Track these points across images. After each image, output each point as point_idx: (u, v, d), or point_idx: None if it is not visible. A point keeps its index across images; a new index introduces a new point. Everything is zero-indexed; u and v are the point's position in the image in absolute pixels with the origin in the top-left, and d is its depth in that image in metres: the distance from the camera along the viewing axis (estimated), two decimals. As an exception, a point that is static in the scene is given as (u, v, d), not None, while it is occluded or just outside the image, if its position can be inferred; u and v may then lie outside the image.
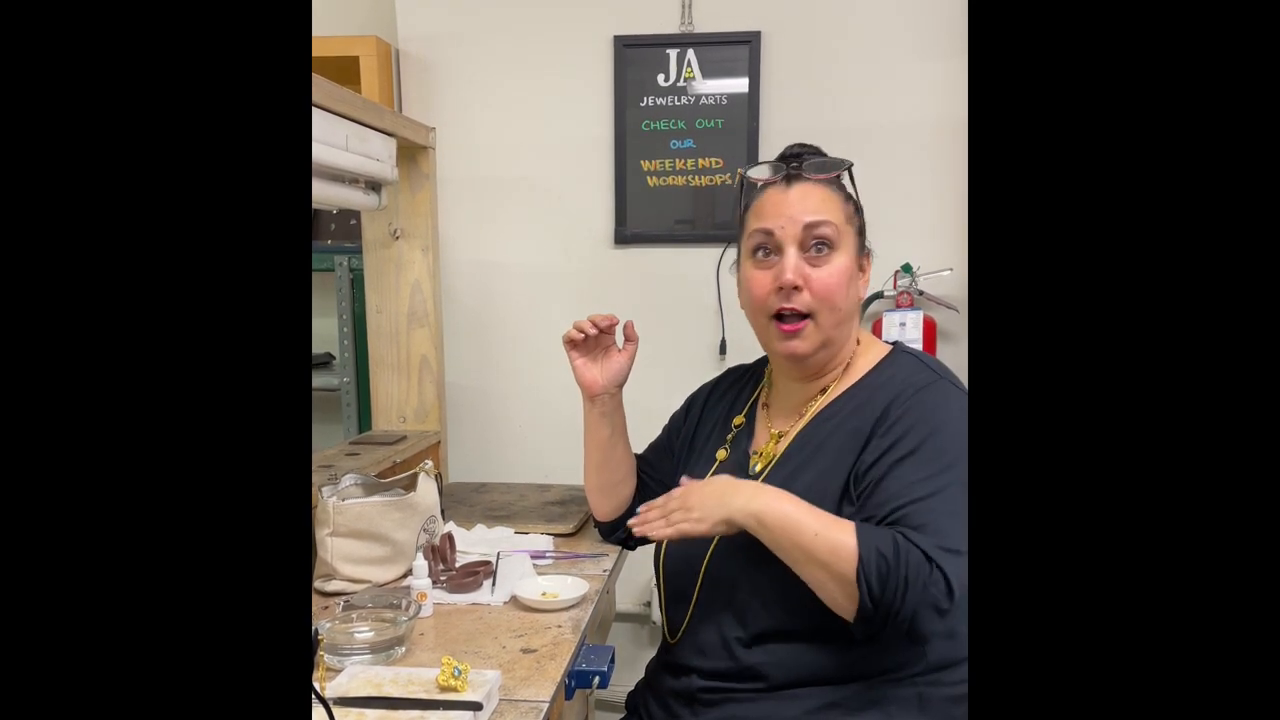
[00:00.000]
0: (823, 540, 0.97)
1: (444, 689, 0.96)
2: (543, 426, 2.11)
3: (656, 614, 2.06)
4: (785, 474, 1.12)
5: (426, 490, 1.46)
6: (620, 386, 1.33)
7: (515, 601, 1.28)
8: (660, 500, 1.09)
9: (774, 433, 1.19)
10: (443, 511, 1.52)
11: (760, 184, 1.17)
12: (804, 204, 1.11)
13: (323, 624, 1.12)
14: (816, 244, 1.09)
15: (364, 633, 1.13)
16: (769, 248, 1.12)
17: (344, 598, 1.24)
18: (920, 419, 1.03)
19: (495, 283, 2.12)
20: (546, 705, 1.01)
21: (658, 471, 1.37)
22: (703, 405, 1.36)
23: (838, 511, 1.03)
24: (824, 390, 1.16)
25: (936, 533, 0.96)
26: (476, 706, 0.93)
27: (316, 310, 2.20)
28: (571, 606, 1.28)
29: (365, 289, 1.92)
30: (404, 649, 1.12)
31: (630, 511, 1.31)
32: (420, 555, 1.29)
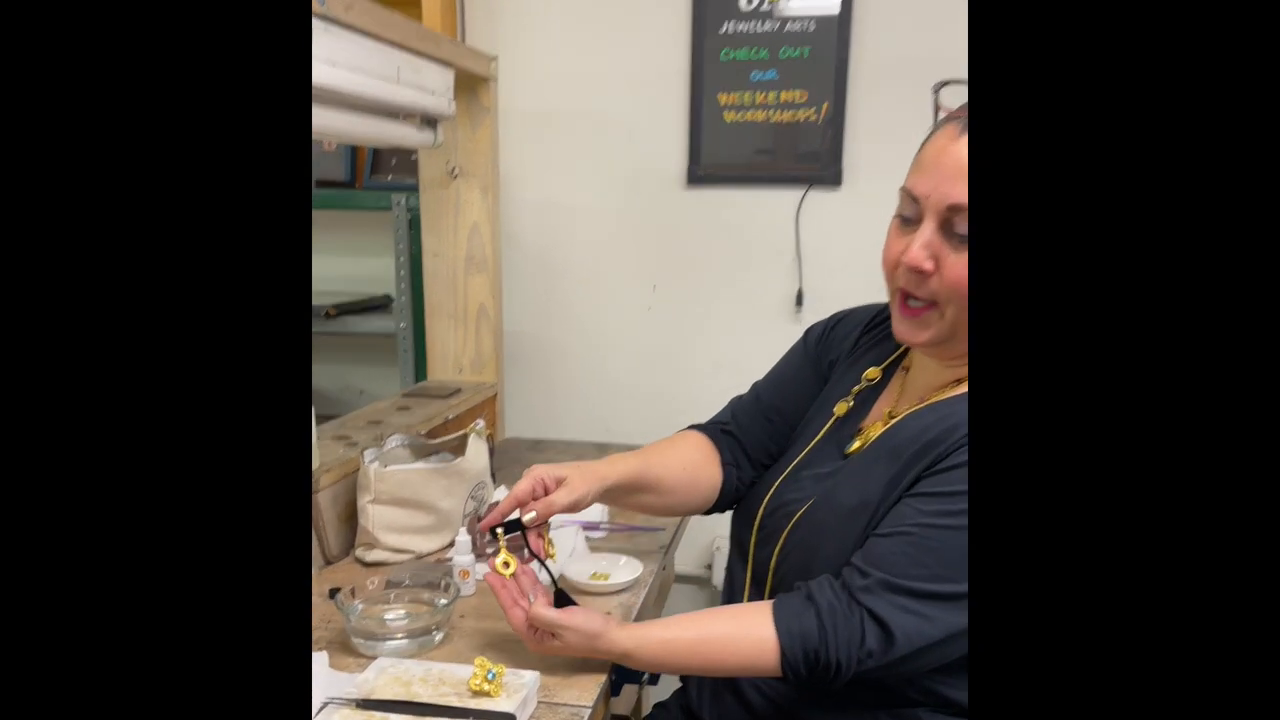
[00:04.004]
0: (721, 648, 0.89)
1: (476, 694, 0.88)
2: (604, 380, 2.01)
3: (718, 577, 1.97)
4: (862, 465, 0.93)
5: (476, 453, 1.37)
6: (584, 501, 1.01)
7: (563, 581, 1.20)
8: (550, 619, 0.93)
9: (887, 412, 0.98)
10: (493, 474, 1.44)
11: (941, 117, 0.90)
12: (964, 170, 0.82)
13: (355, 605, 1.05)
14: (963, 235, 0.83)
15: (400, 619, 1.06)
16: (910, 217, 0.87)
17: (383, 574, 1.17)
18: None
19: (558, 225, 2.00)
20: (588, 711, 0.93)
21: (756, 434, 1.11)
22: (850, 327, 1.09)
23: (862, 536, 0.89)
24: (960, 381, 0.93)
25: (889, 567, 0.83)
26: (508, 718, 0.85)
27: (373, 250, 2.12)
28: (623, 590, 1.19)
29: (422, 231, 1.83)
30: (443, 634, 1.05)
31: (722, 494, 1.11)
32: (464, 528, 1.21)
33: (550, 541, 1.02)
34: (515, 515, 0.98)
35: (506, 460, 1.65)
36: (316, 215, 2.14)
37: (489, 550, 1.00)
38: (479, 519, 1.27)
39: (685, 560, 2.00)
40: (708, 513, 1.15)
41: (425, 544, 1.28)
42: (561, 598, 0.97)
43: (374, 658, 1.00)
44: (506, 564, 0.97)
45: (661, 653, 0.92)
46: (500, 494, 1.42)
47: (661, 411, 1.95)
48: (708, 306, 1.97)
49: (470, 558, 1.17)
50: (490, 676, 0.88)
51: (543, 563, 0.99)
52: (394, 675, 0.92)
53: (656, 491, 1.09)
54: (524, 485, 0.98)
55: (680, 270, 1.97)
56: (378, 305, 2.11)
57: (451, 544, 1.28)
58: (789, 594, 0.89)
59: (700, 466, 1.11)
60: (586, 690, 0.96)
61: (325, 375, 2.23)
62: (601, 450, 1.73)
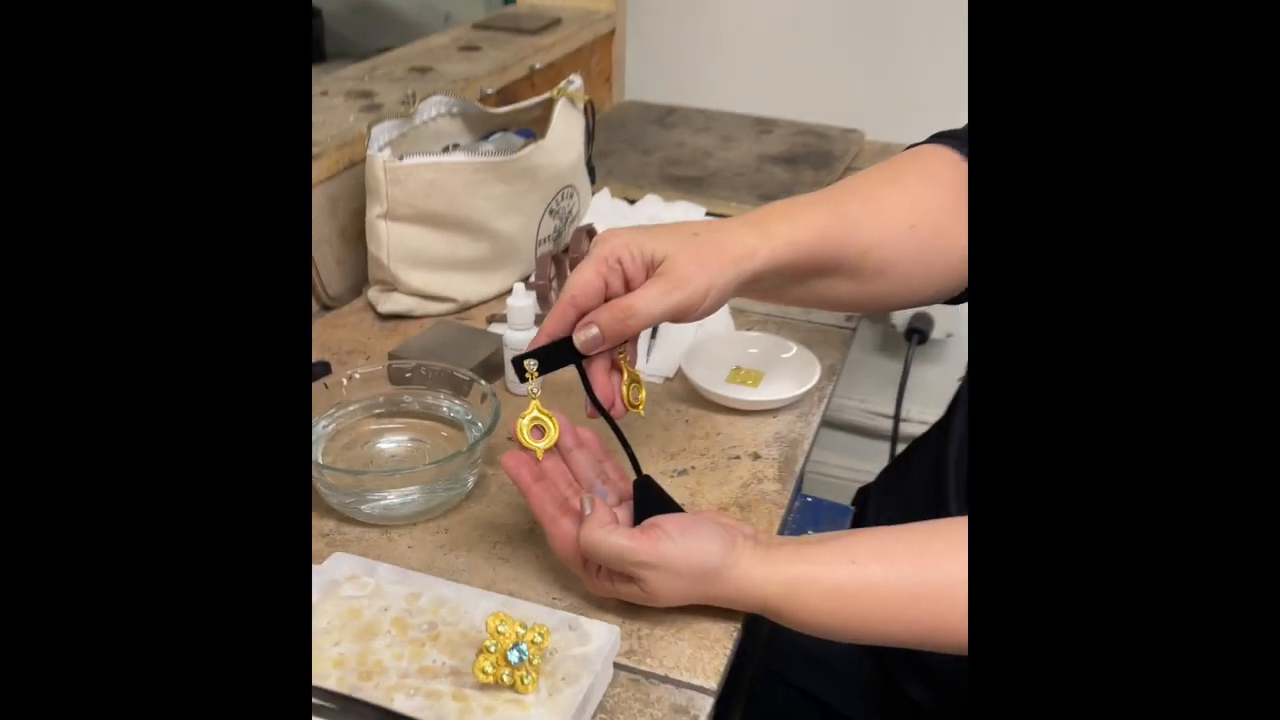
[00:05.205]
0: (947, 599, 0.48)
1: (487, 684, 0.45)
2: (777, 16, 1.35)
3: (898, 317, 1.45)
4: None
5: (564, 136, 0.85)
6: (705, 302, 0.52)
7: (683, 383, 0.72)
8: (616, 552, 0.49)
9: None
10: (592, 169, 0.92)
11: None
12: None
13: (321, 426, 0.62)
14: None
15: (401, 451, 0.63)
16: None
17: (398, 335, 0.73)
18: None
19: None
20: (709, 701, 0.50)
21: None
22: None
23: None
24: None
25: None
26: (543, 768, 0.43)
27: None
28: (783, 408, 0.71)
29: None
30: (474, 478, 0.62)
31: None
32: (527, 284, 0.73)
33: (634, 379, 0.55)
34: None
35: (617, 142, 1.10)
36: None
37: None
38: (558, 256, 0.78)
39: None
40: (958, 300, 0.62)
41: (474, 287, 0.82)
42: (647, 497, 0.52)
43: (355, 522, 0.59)
44: (539, 428, 0.52)
45: (833, 608, 0.50)
46: (600, 210, 0.91)
47: (866, 71, 1.31)
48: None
49: (530, 335, 0.70)
50: (517, 658, 0.45)
51: (613, 424, 0.54)
52: (349, 607, 0.49)
53: (856, 274, 0.58)
54: (588, 272, 0.52)
55: None
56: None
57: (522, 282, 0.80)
58: None
59: (951, 219, 0.58)
60: (707, 652, 0.52)
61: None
62: (764, 129, 1.15)
